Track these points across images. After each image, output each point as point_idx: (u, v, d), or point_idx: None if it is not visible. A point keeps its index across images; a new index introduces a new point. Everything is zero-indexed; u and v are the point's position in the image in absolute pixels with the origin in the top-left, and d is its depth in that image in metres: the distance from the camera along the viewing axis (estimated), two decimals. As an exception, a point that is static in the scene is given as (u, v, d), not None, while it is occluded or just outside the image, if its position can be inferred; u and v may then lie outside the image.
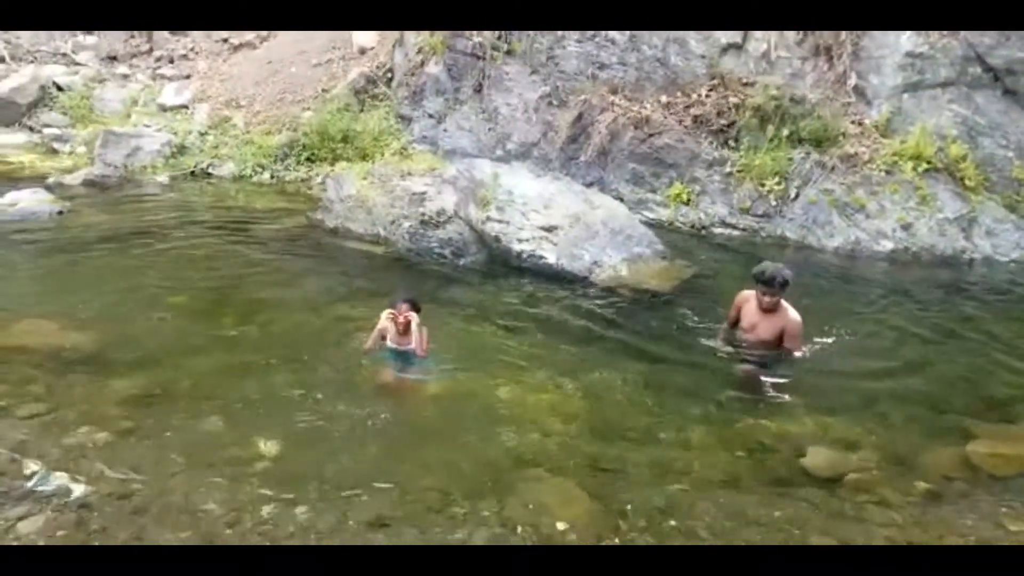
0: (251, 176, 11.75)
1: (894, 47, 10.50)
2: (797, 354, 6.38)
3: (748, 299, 6.51)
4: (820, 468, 4.95)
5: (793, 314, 6.35)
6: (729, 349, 6.54)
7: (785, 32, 10.83)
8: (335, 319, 6.92)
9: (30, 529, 3.85)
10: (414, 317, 5.88)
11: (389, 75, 12.75)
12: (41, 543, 3.76)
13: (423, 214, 8.74)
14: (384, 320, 5.88)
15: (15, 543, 3.74)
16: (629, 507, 4.41)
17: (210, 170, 11.96)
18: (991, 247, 9.76)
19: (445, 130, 11.73)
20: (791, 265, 6.76)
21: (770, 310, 6.32)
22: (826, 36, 10.80)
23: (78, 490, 4.19)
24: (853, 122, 10.59)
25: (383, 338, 5.96)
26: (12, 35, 14.98)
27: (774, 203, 10.17)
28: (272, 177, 11.72)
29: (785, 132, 10.23)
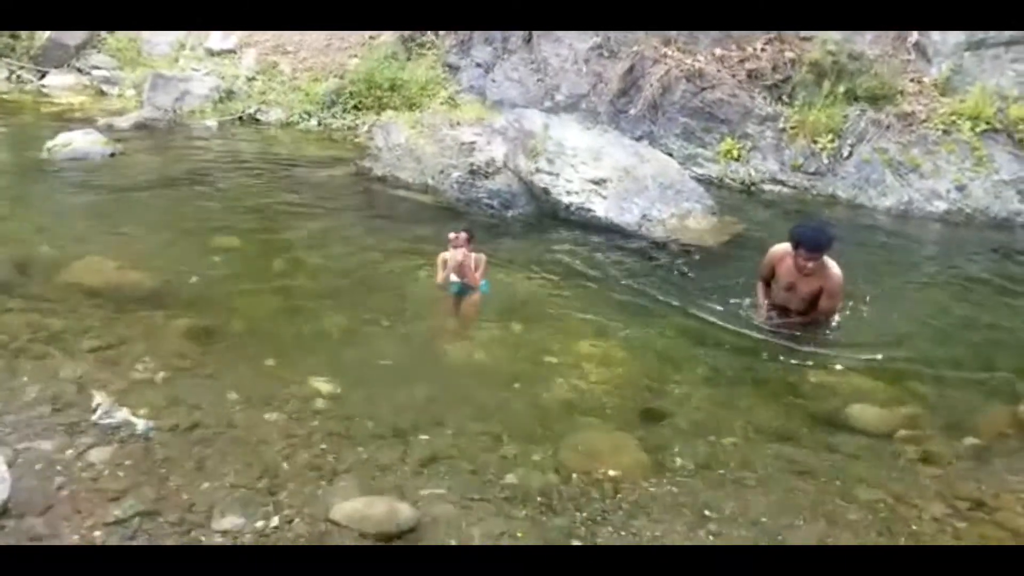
0: (298, 123, 11.80)
1: (958, 3, 10.18)
2: (836, 317, 6.07)
3: (783, 257, 5.95)
4: (868, 423, 4.92)
5: (835, 270, 5.82)
6: (765, 310, 6.17)
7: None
8: (384, 264, 7.00)
9: (100, 458, 3.95)
10: (462, 240, 6.12)
11: (437, 23, 12.64)
12: (109, 473, 3.87)
13: (472, 164, 8.71)
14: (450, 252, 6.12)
15: (85, 471, 3.85)
16: (678, 458, 4.42)
17: (258, 116, 12.03)
18: (1047, 211, 9.52)
19: (493, 80, 11.64)
20: (831, 222, 6.52)
21: (811, 273, 5.80)
22: (888, -9, 10.50)
23: (142, 423, 4.26)
24: (912, 80, 10.32)
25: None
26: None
27: (827, 161, 10.00)
28: (319, 124, 11.76)
29: (841, 89, 10.01)
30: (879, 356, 5.77)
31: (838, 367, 5.59)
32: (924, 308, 6.86)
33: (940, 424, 4.94)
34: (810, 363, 5.67)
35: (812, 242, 5.67)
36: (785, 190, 10.01)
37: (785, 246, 5.93)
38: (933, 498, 4.14)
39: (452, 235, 6.12)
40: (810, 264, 5.71)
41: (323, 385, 4.84)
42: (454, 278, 6.17)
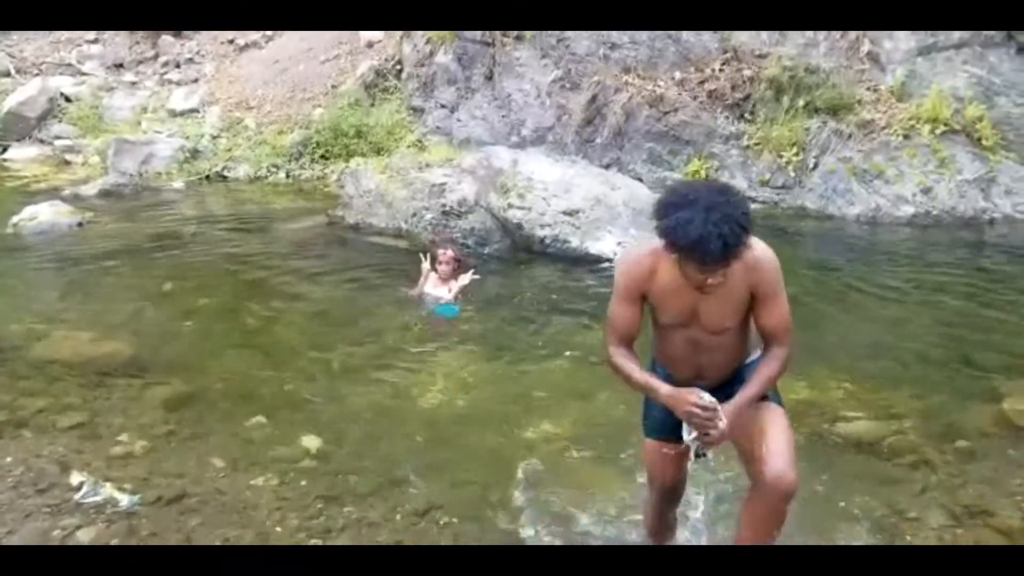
0: (267, 177, 11.76)
1: (906, 11, 10.39)
2: (780, 352, 3.13)
3: (655, 269, 3.08)
4: (856, 434, 4.91)
5: (761, 252, 3.02)
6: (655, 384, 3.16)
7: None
8: (362, 312, 6.97)
9: (88, 539, 3.86)
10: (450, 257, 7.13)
11: (398, 67, 12.71)
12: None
13: (444, 205, 8.71)
14: (425, 265, 7.07)
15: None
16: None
17: (225, 173, 11.96)
18: (1011, 206, 9.72)
19: (458, 119, 11.69)
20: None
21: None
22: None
23: (126, 498, 4.19)
24: (868, 89, 10.51)
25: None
26: (16, 48, 15.01)
27: (793, 174, 10.13)
28: (288, 176, 11.73)
29: (801, 102, 10.15)
30: (858, 366, 5.77)
31: (816, 381, 5.53)
32: (899, 313, 6.92)
33: (928, 429, 4.94)
34: (788, 379, 5.63)
35: (712, 250, 2.76)
36: (755, 206, 10.06)
37: (647, 251, 3.12)
38: (931, 507, 4.14)
39: (441, 251, 7.09)
40: (710, 280, 2.90)
41: (309, 442, 4.78)
42: (429, 291, 7.03)
